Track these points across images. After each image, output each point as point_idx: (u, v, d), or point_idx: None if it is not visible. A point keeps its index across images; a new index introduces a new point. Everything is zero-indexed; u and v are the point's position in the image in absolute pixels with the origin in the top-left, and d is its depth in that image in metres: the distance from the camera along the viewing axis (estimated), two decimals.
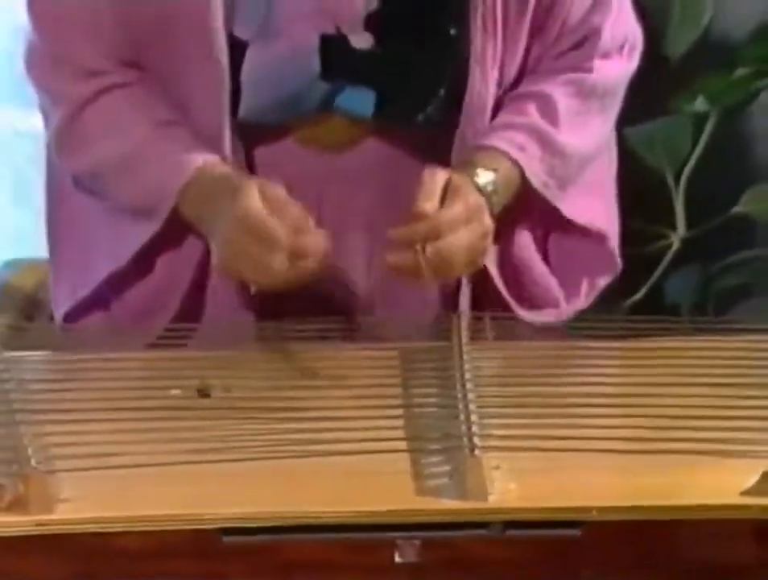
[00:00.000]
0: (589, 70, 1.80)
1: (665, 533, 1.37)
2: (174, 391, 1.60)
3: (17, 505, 1.35)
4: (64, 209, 1.86)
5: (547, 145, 1.77)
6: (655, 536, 1.37)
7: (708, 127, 2.72)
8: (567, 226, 1.84)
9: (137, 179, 1.75)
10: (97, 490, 1.38)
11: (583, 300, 1.87)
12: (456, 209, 1.66)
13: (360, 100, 1.75)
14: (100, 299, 1.83)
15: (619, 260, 1.88)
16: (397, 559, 1.35)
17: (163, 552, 1.35)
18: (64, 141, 1.79)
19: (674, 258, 2.72)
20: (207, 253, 1.75)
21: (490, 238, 1.70)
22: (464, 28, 1.74)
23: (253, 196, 1.64)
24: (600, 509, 1.36)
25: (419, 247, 1.63)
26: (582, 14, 1.80)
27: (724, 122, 2.75)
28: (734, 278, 2.74)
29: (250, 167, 1.77)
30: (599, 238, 1.85)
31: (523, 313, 1.82)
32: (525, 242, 1.84)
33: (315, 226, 1.64)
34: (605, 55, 1.82)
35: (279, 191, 1.65)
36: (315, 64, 1.73)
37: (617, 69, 1.84)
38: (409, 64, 1.74)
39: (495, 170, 1.72)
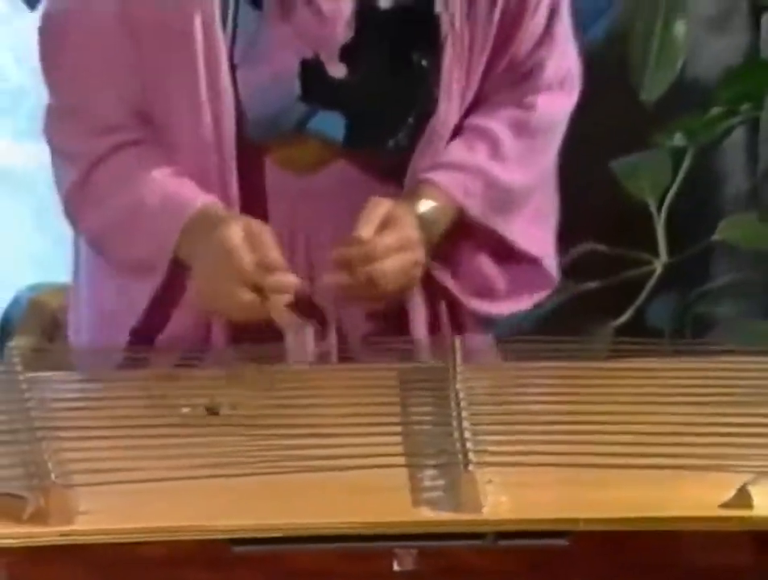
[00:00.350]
0: (533, 107, 1.82)
1: (648, 544, 1.36)
2: (185, 410, 1.59)
3: (38, 517, 1.35)
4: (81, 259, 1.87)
5: (491, 183, 1.79)
6: (639, 547, 1.36)
7: (686, 161, 2.73)
8: (507, 244, 1.84)
9: (141, 228, 1.74)
10: (114, 502, 1.38)
11: (523, 305, 1.88)
12: (391, 237, 1.69)
13: (332, 124, 1.76)
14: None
15: (555, 276, 1.89)
16: (395, 567, 1.35)
17: (176, 561, 1.35)
18: (76, 201, 1.79)
19: (657, 283, 2.72)
20: None
21: (420, 269, 1.73)
22: (433, 60, 1.75)
23: (233, 230, 1.66)
24: (587, 520, 1.36)
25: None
26: (530, 46, 1.81)
27: (700, 156, 2.76)
28: (713, 302, 2.74)
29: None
30: (535, 259, 1.87)
31: (469, 302, 1.83)
32: (474, 245, 1.84)
33: (288, 262, 1.66)
34: (548, 88, 1.84)
35: (263, 230, 1.67)
36: (296, 87, 1.75)
37: (558, 105, 1.86)
38: (380, 94, 1.76)
39: (437, 202, 1.75)
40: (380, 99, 1.76)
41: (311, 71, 1.74)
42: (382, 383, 1.65)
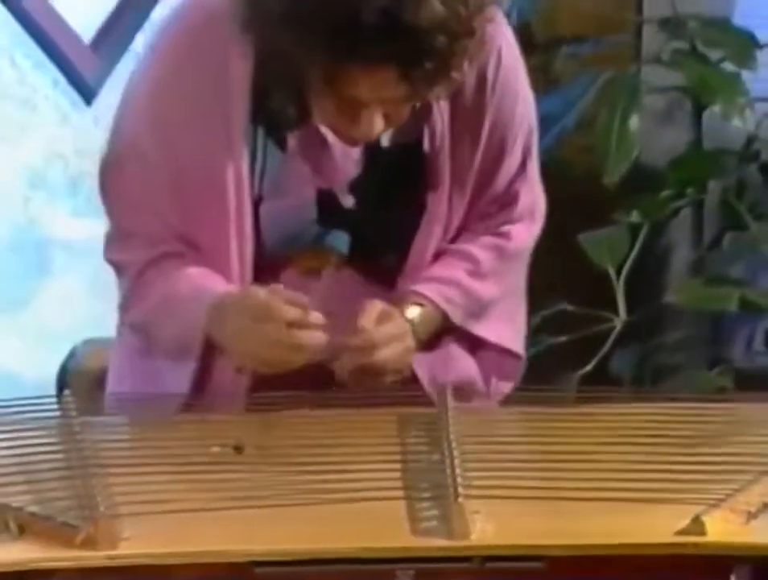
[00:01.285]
0: (508, 237, 1.82)
1: (613, 567, 1.34)
2: (214, 449, 1.57)
3: (88, 543, 1.34)
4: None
5: (468, 295, 1.80)
6: (605, 569, 1.34)
7: (642, 235, 2.74)
8: (482, 342, 1.84)
9: (174, 313, 1.74)
10: (153, 530, 1.37)
11: (492, 395, 1.85)
12: (387, 328, 1.71)
13: (341, 240, 1.78)
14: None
15: (521, 371, 1.88)
16: None
17: None
18: (127, 299, 1.82)
19: (617, 337, 2.71)
20: None
21: (412, 355, 1.75)
22: (422, 193, 1.77)
23: (255, 290, 1.68)
24: (560, 546, 1.34)
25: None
26: (506, 183, 1.81)
27: (653, 231, 2.77)
28: (665, 355, 2.74)
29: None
30: (508, 353, 1.85)
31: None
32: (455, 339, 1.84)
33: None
34: (521, 219, 1.84)
35: (277, 285, 1.68)
36: (313, 213, 1.76)
37: (528, 233, 1.85)
38: (379, 220, 1.78)
39: (422, 308, 1.76)
40: (378, 224, 1.78)
41: (325, 201, 1.77)
42: (384, 425, 1.64)
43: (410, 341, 1.74)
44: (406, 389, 1.73)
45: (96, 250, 2.79)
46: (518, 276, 1.87)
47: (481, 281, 1.80)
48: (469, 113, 1.76)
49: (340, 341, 1.68)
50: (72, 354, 2.22)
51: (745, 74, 2.67)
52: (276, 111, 1.73)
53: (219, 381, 1.76)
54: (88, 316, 2.74)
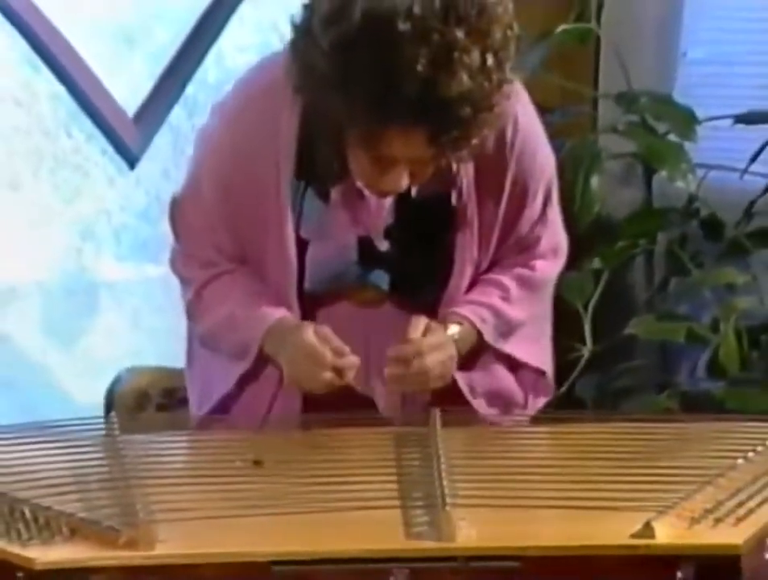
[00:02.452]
0: (533, 268, 1.82)
1: (578, 565, 1.33)
2: (237, 463, 1.56)
3: (129, 544, 1.33)
4: (194, 350, 1.88)
5: (499, 317, 1.78)
6: (571, 567, 1.33)
7: (603, 278, 2.73)
8: (518, 363, 1.83)
9: (236, 333, 1.76)
10: (185, 534, 1.36)
11: (529, 408, 1.84)
12: (433, 338, 1.70)
13: (381, 278, 1.78)
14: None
15: (552, 386, 1.87)
16: None
17: (229, 578, 1.32)
18: (192, 312, 1.83)
19: (584, 365, 2.70)
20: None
21: (455, 363, 1.73)
22: (451, 239, 1.77)
23: (308, 332, 1.69)
24: (534, 548, 1.34)
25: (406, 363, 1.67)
26: (528, 228, 1.80)
27: (613, 275, 2.75)
28: (625, 380, 2.73)
29: (315, 317, 1.78)
30: (538, 371, 1.84)
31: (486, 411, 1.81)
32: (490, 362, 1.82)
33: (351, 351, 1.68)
34: (543, 256, 1.83)
35: (326, 329, 1.69)
36: (354, 255, 1.76)
37: (551, 268, 1.85)
38: (412, 262, 1.78)
39: (461, 326, 1.75)
40: (411, 265, 1.77)
41: (364, 245, 1.77)
42: (382, 442, 1.63)
43: (452, 350, 1.72)
44: (450, 401, 1.71)
45: (135, 291, 2.81)
46: (543, 304, 1.86)
47: (511, 306, 1.79)
48: (492, 171, 1.75)
49: (392, 351, 1.68)
50: (116, 380, 2.21)
51: (687, 144, 2.68)
52: (321, 168, 1.72)
53: (263, 384, 1.77)
54: (130, 347, 2.74)
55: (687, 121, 2.68)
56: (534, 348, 1.84)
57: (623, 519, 1.36)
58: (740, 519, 1.36)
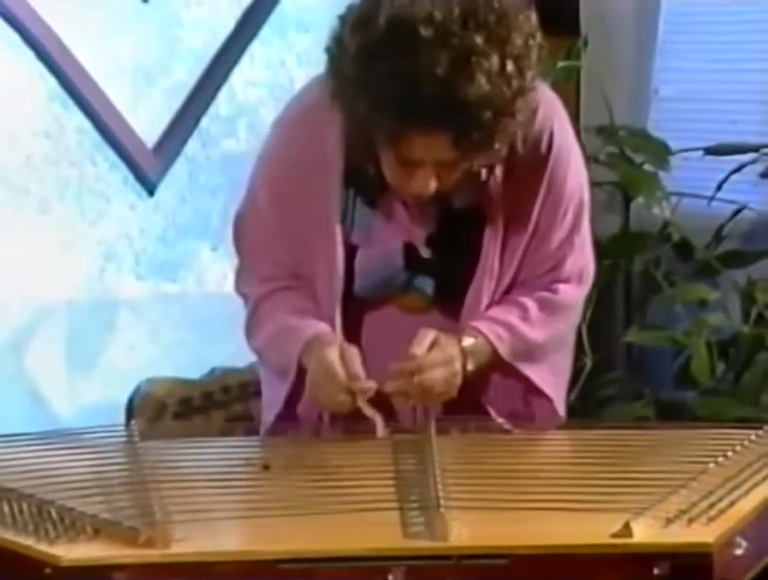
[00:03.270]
0: (555, 291, 1.74)
1: (562, 563, 1.32)
2: (248, 467, 1.56)
3: (148, 543, 1.32)
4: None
5: (516, 336, 1.71)
6: (556, 565, 1.32)
7: (593, 296, 2.71)
8: (531, 386, 1.75)
9: (281, 347, 1.72)
10: (199, 533, 1.35)
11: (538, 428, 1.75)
12: (437, 354, 1.64)
13: (426, 284, 1.72)
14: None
15: (562, 419, 1.76)
16: (390, 578, 1.30)
17: (241, 574, 1.30)
18: (248, 327, 1.78)
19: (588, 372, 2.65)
20: None
21: (459, 378, 1.66)
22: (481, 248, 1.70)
23: (332, 351, 1.64)
24: (521, 547, 1.32)
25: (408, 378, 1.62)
26: (556, 246, 1.72)
27: (602, 292, 2.73)
28: (606, 390, 2.72)
29: (362, 323, 1.73)
30: (547, 398, 1.76)
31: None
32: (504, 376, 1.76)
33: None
34: (568, 280, 1.74)
35: (353, 351, 1.64)
36: (400, 261, 1.72)
37: (574, 293, 1.76)
38: (453, 270, 1.71)
39: (476, 340, 1.68)
40: (454, 272, 1.71)
41: (408, 252, 1.72)
42: (381, 449, 1.61)
43: (456, 367, 1.65)
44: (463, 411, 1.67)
45: (153, 308, 2.80)
46: (566, 329, 1.77)
47: (529, 326, 1.71)
48: (525, 184, 1.69)
49: (394, 366, 1.62)
50: (136, 391, 2.20)
51: (662, 174, 2.68)
52: (364, 176, 1.68)
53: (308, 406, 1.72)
54: (148, 360, 2.73)
55: (661, 152, 2.69)
56: (552, 376, 1.75)
57: (604, 519, 1.35)
58: (711, 519, 1.35)
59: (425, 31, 1.51)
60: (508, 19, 1.54)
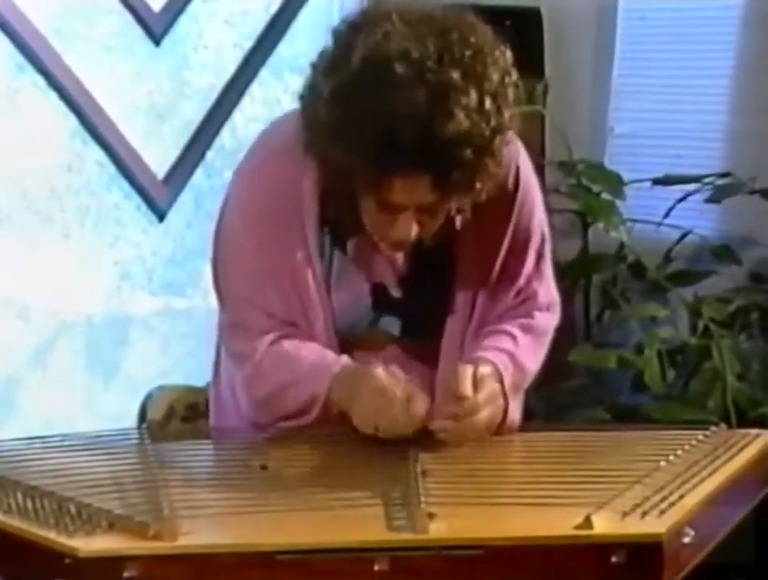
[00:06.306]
0: (533, 316, 1.61)
1: (530, 553, 1.30)
2: (248, 466, 1.52)
3: (157, 536, 1.30)
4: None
5: (516, 364, 1.58)
6: (525, 555, 1.30)
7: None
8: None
9: (302, 389, 1.54)
10: (204, 527, 1.32)
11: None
12: (483, 394, 1.49)
13: (392, 324, 1.59)
14: None
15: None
16: (376, 568, 1.29)
17: (242, 565, 1.28)
18: (250, 382, 1.57)
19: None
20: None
21: (502, 414, 1.53)
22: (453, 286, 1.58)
23: (379, 370, 1.48)
24: (494, 538, 1.31)
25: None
26: (525, 281, 1.60)
27: (564, 308, 2.70)
28: (568, 397, 2.72)
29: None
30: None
31: None
32: None
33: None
34: (540, 309, 1.62)
35: (394, 368, 1.48)
36: (368, 302, 1.58)
37: (548, 321, 1.64)
38: (424, 309, 1.58)
39: (491, 368, 1.54)
40: (423, 311, 1.57)
41: (379, 292, 1.57)
42: (367, 451, 1.57)
43: (500, 403, 1.51)
44: None
45: (164, 322, 2.80)
46: (542, 356, 1.62)
47: (523, 353, 1.58)
48: (493, 221, 1.55)
49: (445, 408, 1.45)
50: (148, 397, 2.18)
51: (617, 202, 2.68)
52: (338, 220, 1.52)
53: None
54: (159, 369, 2.73)
55: (616, 183, 2.71)
56: (517, 403, 1.60)
57: (567, 513, 1.34)
58: (662, 512, 1.34)
59: (401, 68, 1.34)
60: (484, 55, 1.39)
